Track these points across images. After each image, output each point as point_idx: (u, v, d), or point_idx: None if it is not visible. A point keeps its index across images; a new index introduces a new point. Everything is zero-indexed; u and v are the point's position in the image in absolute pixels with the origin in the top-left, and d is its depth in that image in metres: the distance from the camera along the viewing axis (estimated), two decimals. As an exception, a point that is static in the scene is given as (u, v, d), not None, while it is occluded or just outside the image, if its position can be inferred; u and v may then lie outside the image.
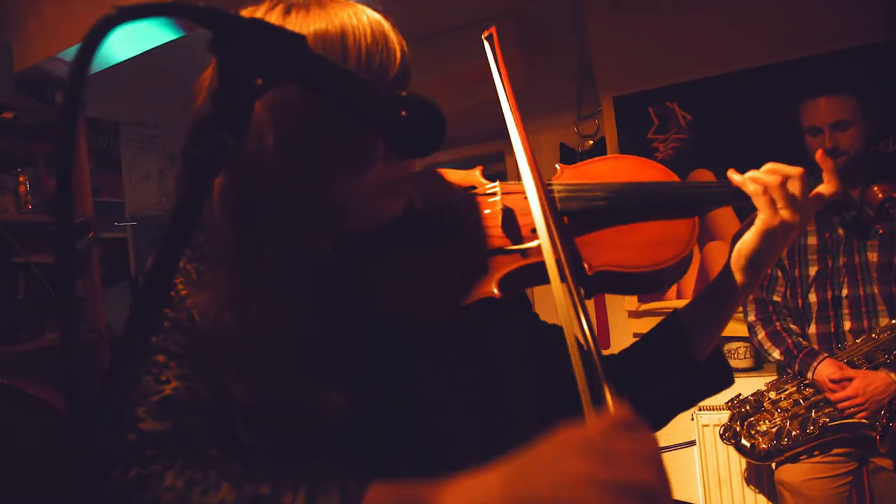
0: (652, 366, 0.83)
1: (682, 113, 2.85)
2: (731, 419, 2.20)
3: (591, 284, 0.71)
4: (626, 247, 0.73)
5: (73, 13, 2.24)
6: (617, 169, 0.83)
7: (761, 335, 2.13)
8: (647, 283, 0.74)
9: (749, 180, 0.75)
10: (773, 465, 2.20)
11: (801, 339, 2.06)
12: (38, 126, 2.51)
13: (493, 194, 0.79)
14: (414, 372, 0.70)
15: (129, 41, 2.29)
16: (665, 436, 2.94)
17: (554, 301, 0.62)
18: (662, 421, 0.87)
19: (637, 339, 0.87)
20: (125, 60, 2.42)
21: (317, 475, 0.57)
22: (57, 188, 0.40)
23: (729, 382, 0.85)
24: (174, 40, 2.32)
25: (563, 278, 0.63)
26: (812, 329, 2.08)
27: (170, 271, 0.42)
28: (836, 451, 2.01)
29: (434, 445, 0.69)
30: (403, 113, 0.55)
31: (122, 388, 0.40)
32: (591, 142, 3.07)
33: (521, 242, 0.72)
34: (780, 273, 2.19)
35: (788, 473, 2.09)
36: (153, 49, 2.41)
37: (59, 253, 0.40)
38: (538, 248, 0.69)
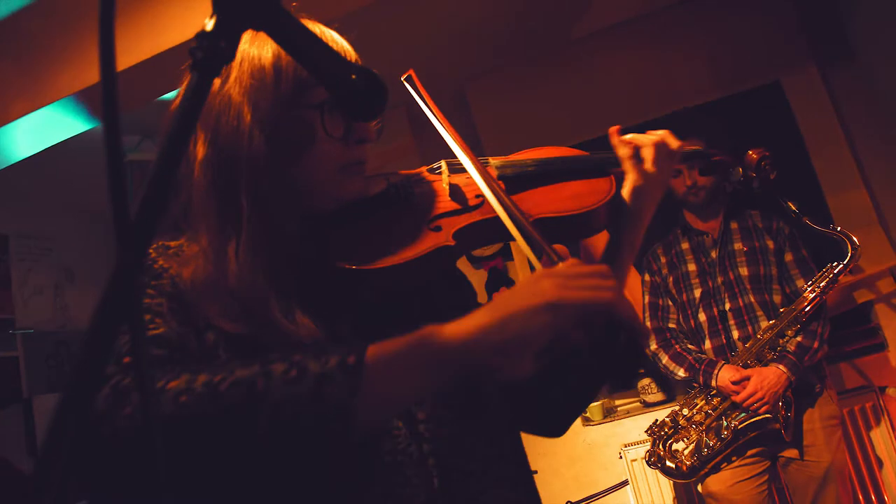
0: None
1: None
2: (653, 444, 2.32)
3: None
4: (556, 199, 0.87)
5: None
6: (540, 153, 0.99)
7: (665, 359, 2.32)
8: (580, 227, 0.88)
9: (620, 144, 0.93)
10: (699, 483, 2.32)
11: (700, 355, 2.27)
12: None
13: (440, 174, 0.91)
14: (371, 323, 0.76)
15: (34, 133, 2.26)
16: (598, 483, 3.00)
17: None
18: (595, 388, 0.93)
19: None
20: (21, 161, 2.38)
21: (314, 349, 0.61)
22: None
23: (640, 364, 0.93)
24: (74, 138, 2.32)
25: (504, 207, 0.75)
26: (707, 344, 2.31)
27: (176, 163, 0.47)
28: (750, 452, 2.17)
29: None
30: (353, 77, 0.67)
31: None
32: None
33: (468, 204, 0.84)
34: (670, 302, 2.42)
35: (714, 484, 2.22)
36: (49, 151, 2.39)
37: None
38: (485, 205, 0.82)
